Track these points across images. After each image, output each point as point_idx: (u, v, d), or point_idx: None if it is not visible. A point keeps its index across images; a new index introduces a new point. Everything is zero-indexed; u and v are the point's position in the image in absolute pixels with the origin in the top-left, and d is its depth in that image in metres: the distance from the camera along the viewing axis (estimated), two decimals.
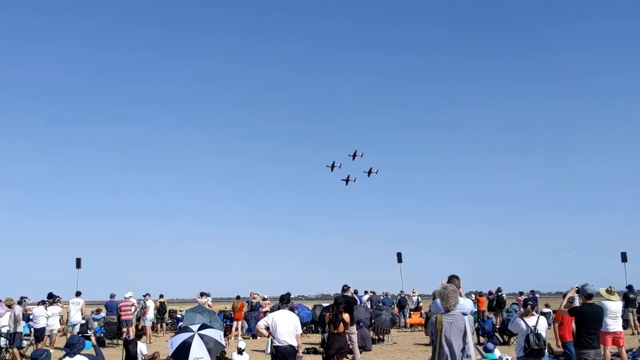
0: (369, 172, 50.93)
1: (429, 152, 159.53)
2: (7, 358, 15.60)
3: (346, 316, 10.53)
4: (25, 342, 17.58)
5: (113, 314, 22.11)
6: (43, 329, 17.98)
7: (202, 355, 12.44)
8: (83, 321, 20.63)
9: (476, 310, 22.97)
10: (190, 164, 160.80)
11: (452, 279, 7.96)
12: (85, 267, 30.72)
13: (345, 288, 15.74)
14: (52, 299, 19.54)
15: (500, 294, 26.35)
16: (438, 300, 6.58)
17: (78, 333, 18.23)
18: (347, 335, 11.07)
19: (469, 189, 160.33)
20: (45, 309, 18.65)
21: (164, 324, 25.47)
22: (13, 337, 15.53)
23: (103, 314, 23.61)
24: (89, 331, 19.98)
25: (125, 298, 21.44)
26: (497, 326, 20.64)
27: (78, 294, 21.03)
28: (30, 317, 18.59)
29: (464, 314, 6.11)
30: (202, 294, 23.22)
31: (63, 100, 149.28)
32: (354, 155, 50.15)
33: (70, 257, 30.94)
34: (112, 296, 23.25)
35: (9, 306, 15.83)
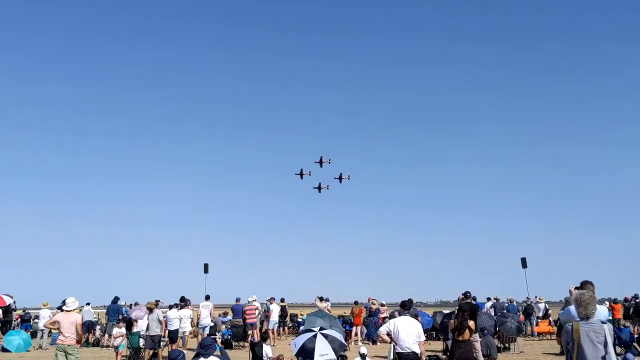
0: (340, 178, 48.64)
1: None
2: (145, 358, 16.64)
3: (471, 323, 10.20)
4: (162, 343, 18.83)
5: (239, 317, 23.12)
6: (176, 331, 19.14)
7: (328, 352, 12.67)
8: (212, 324, 21.64)
9: (611, 318, 21.39)
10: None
11: (586, 284, 7.46)
12: (212, 273, 32.43)
13: (467, 295, 15.29)
14: (183, 302, 20.75)
15: (638, 300, 24.43)
16: (572, 307, 6.18)
17: (208, 335, 19.22)
18: (472, 343, 10.73)
19: (604, 189, 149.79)
20: (178, 311, 19.88)
21: (285, 327, 26.07)
22: (158, 339, 16.60)
23: (229, 316, 24.75)
24: (217, 334, 20.97)
25: (249, 302, 22.33)
26: (635, 335, 19.09)
27: (207, 297, 22.16)
28: (164, 319, 19.87)
29: (603, 322, 5.67)
30: (320, 299, 23.62)
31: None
32: (321, 162, 48.02)
33: (198, 263, 32.70)
34: (237, 300, 24.36)
35: (150, 310, 16.85)
